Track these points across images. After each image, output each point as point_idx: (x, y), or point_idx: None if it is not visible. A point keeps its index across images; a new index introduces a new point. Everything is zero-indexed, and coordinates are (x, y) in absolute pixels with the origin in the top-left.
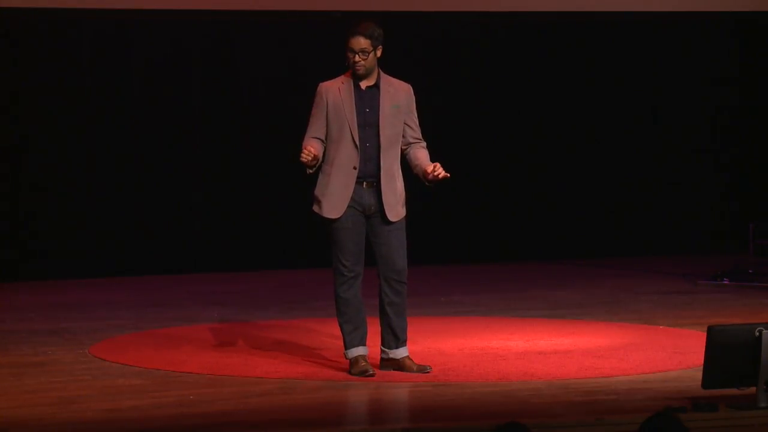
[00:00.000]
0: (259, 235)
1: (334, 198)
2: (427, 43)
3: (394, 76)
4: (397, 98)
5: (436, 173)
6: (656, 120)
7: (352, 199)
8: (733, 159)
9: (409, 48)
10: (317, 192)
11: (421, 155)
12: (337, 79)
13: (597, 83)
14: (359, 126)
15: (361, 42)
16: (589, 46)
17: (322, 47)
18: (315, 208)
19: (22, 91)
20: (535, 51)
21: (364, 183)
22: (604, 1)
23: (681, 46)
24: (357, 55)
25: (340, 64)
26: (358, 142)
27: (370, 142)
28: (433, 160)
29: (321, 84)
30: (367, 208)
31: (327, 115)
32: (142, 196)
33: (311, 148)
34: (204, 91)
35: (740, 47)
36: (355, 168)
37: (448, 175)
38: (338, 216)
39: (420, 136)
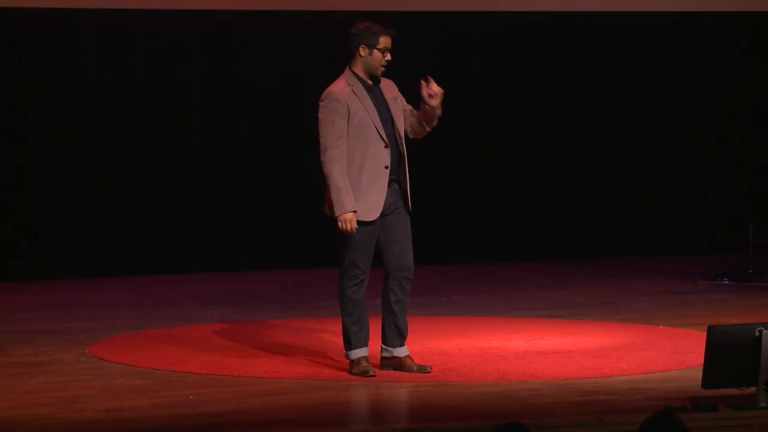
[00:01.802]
0: (259, 235)
1: (371, 201)
2: (428, 43)
3: (394, 76)
4: (393, 91)
5: (433, 91)
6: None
7: None
8: (734, 159)
9: (409, 48)
10: None
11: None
12: (340, 81)
13: (598, 83)
14: (382, 124)
15: (391, 41)
16: (589, 46)
17: (322, 47)
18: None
19: (23, 91)
20: (535, 51)
21: (389, 181)
22: (604, 1)
23: (682, 46)
24: (389, 54)
25: (340, 65)
26: (387, 141)
27: (391, 138)
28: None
29: (331, 91)
30: (387, 207)
31: (348, 121)
32: (142, 196)
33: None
34: (204, 91)
35: (742, 48)
36: (386, 167)
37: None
38: (375, 218)
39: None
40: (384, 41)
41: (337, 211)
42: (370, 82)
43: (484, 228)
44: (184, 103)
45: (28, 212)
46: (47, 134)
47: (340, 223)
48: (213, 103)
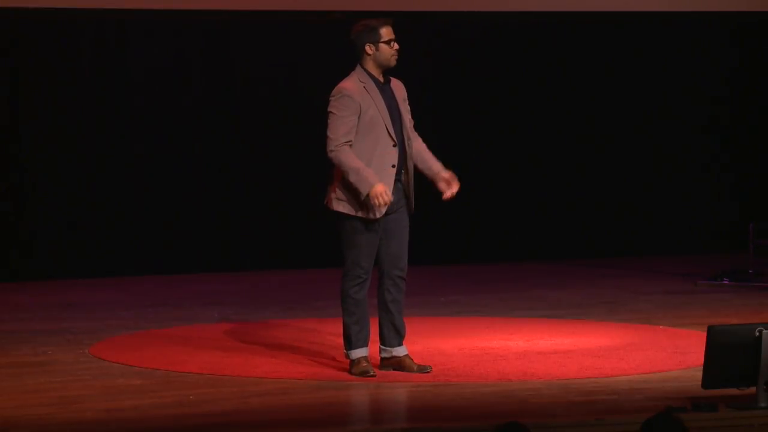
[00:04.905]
0: (259, 235)
1: None
2: (428, 43)
3: (394, 75)
4: (402, 92)
5: (451, 193)
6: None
7: None
8: (733, 159)
9: (409, 48)
10: (349, 193)
11: (428, 155)
12: (352, 77)
13: (597, 83)
14: (392, 123)
15: (392, 29)
16: (588, 46)
17: (322, 47)
18: (342, 208)
19: (22, 91)
20: (535, 51)
21: (394, 180)
22: (604, 1)
23: (681, 45)
24: (396, 43)
25: (340, 64)
26: (396, 140)
27: (399, 138)
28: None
29: (343, 86)
30: (391, 206)
31: (359, 118)
32: (142, 196)
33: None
34: (204, 91)
35: (740, 47)
36: (393, 167)
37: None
38: (379, 217)
39: (415, 131)
40: (385, 33)
41: (365, 190)
42: (381, 80)
43: (484, 228)
44: (184, 103)
45: (28, 212)
46: (46, 134)
47: (373, 200)
48: (212, 102)
